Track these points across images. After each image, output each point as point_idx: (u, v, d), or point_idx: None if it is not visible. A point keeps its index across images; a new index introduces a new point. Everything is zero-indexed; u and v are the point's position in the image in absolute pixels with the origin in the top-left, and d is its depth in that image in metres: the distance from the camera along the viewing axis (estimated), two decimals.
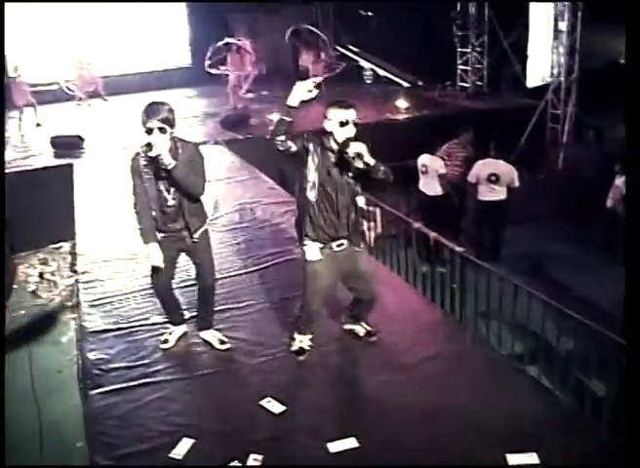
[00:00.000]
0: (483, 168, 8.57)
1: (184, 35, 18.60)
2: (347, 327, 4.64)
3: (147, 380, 4.13)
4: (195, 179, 3.99)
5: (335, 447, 3.43)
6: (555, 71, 12.43)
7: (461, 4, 14.20)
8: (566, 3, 11.88)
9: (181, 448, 3.48)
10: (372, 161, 3.71)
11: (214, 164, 9.72)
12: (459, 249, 5.80)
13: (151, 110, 3.82)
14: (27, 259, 9.48)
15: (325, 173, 3.89)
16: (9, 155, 10.64)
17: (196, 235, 4.22)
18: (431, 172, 8.69)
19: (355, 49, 19.05)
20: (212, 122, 12.98)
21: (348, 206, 3.97)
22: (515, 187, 8.59)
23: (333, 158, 3.89)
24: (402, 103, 13.25)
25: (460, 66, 14.89)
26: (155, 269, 4.22)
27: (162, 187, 4.03)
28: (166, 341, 4.56)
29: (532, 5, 13.53)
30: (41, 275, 8.84)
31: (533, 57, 14.05)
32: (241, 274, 5.72)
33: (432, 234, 6.20)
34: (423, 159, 8.81)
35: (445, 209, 8.76)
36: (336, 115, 3.79)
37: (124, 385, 4.08)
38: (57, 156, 10.84)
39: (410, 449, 3.36)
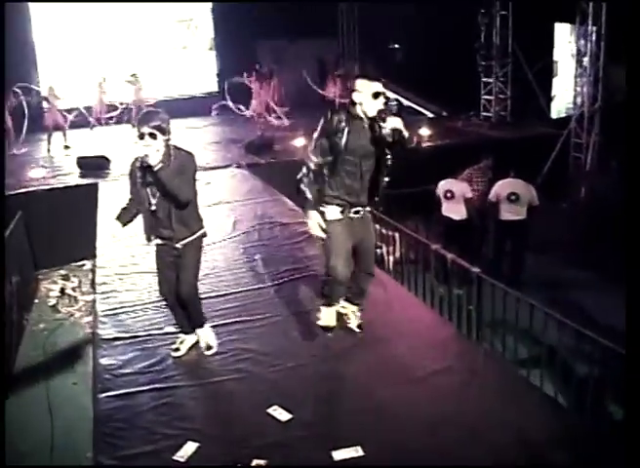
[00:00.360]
0: (503, 187, 8.64)
1: (212, 62, 18.97)
2: (343, 309, 4.62)
3: (156, 386, 4.14)
4: (179, 185, 4.02)
5: (339, 455, 3.39)
6: (578, 101, 12.43)
7: (485, 35, 14.27)
8: (589, 38, 11.93)
9: (186, 451, 3.47)
10: (407, 134, 3.87)
11: (235, 186, 9.91)
12: (475, 269, 5.81)
13: (144, 117, 4.02)
14: (50, 276, 9.63)
15: (354, 141, 4.00)
16: (36, 173, 10.87)
17: (180, 243, 4.25)
18: (457, 196, 8.75)
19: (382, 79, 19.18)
20: (235, 147, 13.13)
21: (372, 173, 4.13)
22: (536, 206, 8.60)
23: (362, 127, 4.02)
24: (425, 131, 13.31)
25: (484, 96, 14.92)
26: (158, 276, 4.41)
27: (149, 192, 4.12)
28: (177, 350, 4.57)
29: (556, 36, 13.64)
30: (62, 291, 8.96)
31: (557, 87, 14.13)
32: (256, 289, 5.72)
33: (449, 255, 6.21)
34: (448, 184, 8.88)
35: (469, 233, 8.80)
36: (367, 87, 3.97)
37: (133, 390, 4.08)
38: (83, 176, 11.05)
39: (415, 460, 3.31)
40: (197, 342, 4.66)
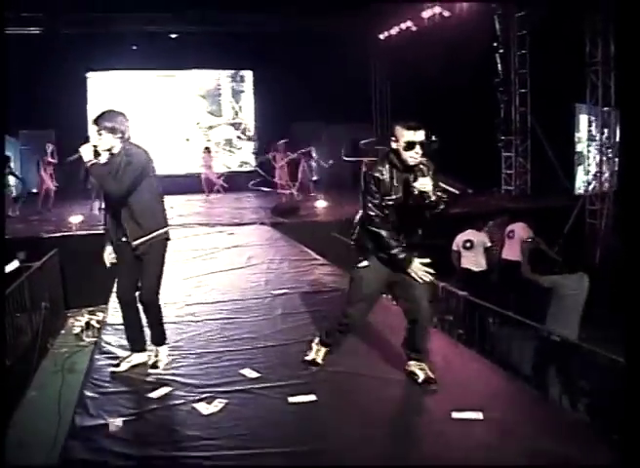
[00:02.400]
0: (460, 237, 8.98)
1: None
2: (408, 368, 4.15)
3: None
4: (110, 181, 4.09)
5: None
6: (592, 169, 12.92)
7: (505, 111, 14.99)
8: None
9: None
10: (434, 198, 3.72)
11: (256, 234, 10.61)
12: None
13: (98, 116, 4.20)
14: (78, 313, 10.21)
15: (389, 188, 3.86)
16: (75, 219, 11.74)
17: (135, 242, 4.21)
18: (476, 246, 8.92)
19: None
20: (264, 211, 13.89)
21: (409, 222, 3.95)
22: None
23: (397, 177, 3.87)
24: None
25: (505, 171, 15.48)
26: (117, 276, 4.42)
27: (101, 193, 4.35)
28: (118, 365, 4.38)
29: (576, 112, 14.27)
30: (87, 324, 9.51)
31: (577, 163, 14.64)
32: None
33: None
34: (467, 235, 9.04)
35: (489, 283, 8.93)
36: (403, 136, 3.81)
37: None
38: None
39: None
40: (144, 363, 4.46)
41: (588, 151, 13.67)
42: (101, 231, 10.87)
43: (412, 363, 4.11)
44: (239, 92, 20.70)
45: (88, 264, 10.37)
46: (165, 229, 4.37)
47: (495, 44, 14.88)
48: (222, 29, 18.51)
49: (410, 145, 3.80)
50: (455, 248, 9.05)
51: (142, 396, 3.88)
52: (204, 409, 3.65)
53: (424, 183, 3.67)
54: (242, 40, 18.87)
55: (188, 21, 18.21)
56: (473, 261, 8.95)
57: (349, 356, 4.40)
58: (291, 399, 3.75)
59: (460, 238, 9.08)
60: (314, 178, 18.67)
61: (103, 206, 4.53)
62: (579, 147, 14.79)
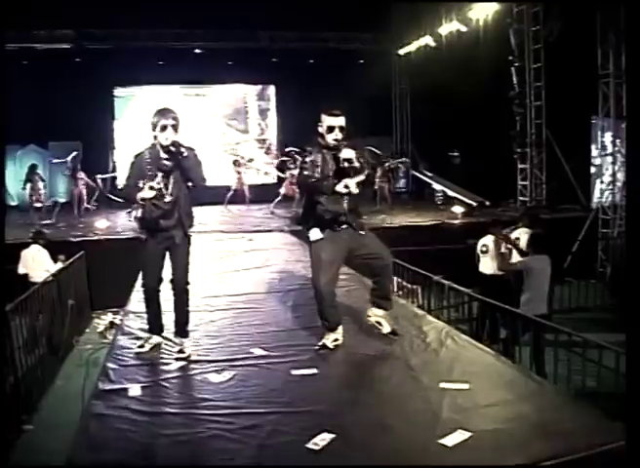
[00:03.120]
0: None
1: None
2: (373, 318, 4.84)
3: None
4: (201, 171, 4.51)
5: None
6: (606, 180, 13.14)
7: (521, 124, 15.26)
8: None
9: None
10: (357, 164, 4.38)
11: (273, 238, 10.99)
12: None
13: (165, 111, 4.47)
14: (102, 314, 10.64)
15: (323, 168, 4.50)
16: (101, 224, 12.22)
17: (181, 233, 4.53)
18: (491, 251, 9.20)
19: (429, 173, 20.40)
20: (284, 220, 14.30)
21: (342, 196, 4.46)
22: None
23: (328, 156, 4.52)
24: (457, 209, 14.21)
25: (520, 182, 15.71)
26: (145, 266, 4.67)
27: (162, 184, 4.41)
28: (142, 346, 4.66)
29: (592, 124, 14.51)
30: (111, 323, 9.92)
31: (593, 175, 14.85)
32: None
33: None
34: (485, 239, 9.24)
35: (502, 287, 9.16)
36: (324, 121, 4.58)
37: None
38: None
39: None
40: (159, 344, 4.75)
41: (602, 162, 13.86)
42: (125, 236, 11.56)
43: (379, 312, 4.84)
44: (265, 109, 21.20)
45: (113, 268, 10.90)
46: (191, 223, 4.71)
47: (510, 58, 15.13)
48: (246, 45, 19.07)
49: (330, 129, 4.52)
50: (477, 252, 9.30)
51: (159, 368, 4.25)
52: (214, 378, 4.01)
53: (348, 153, 4.37)
54: (265, 56, 19.43)
55: (212, 37, 18.80)
56: (487, 266, 9.18)
57: (351, 338, 4.74)
58: (294, 371, 4.09)
59: (480, 242, 9.34)
60: None
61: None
62: (597, 160, 14.96)
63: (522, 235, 9.30)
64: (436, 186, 19.43)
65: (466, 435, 3.06)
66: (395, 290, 8.66)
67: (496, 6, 14.94)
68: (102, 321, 10.08)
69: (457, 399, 3.51)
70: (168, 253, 4.64)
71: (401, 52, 20.59)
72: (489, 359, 4.31)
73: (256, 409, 3.50)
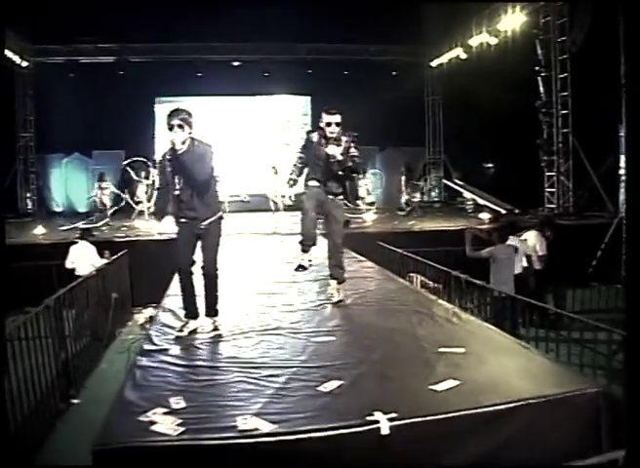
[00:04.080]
0: None
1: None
2: (330, 289, 6.23)
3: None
4: (199, 167, 4.81)
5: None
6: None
7: (547, 132, 15.59)
8: None
9: None
10: (341, 158, 5.65)
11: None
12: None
13: (173, 113, 4.88)
14: (143, 309, 11.27)
15: (318, 151, 5.82)
16: (142, 224, 12.92)
17: (205, 223, 4.97)
18: (520, 253, 9.58)
19: (460, 182, 20.78)
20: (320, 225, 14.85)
21: (334, 174, 5.83)
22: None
23: (324, 144, 5.74)
24: (484, 216, 14.62)
25: (548, 189, 16.01)
26: (176, 250, 5.14)
27: (177, 180, 4.89)
28: (181, 331, 5.03)
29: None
30: (151, 317, 10.52)
31: (620, 183, 15.05)
32: None
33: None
34: (511, 241, 9.73)
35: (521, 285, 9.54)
36: (323, 118, 5.76)
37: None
38: None
39: None
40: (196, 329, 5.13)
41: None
42: (165, 238, 12.21)
43: (333, 283, 6.18)
44: (303, 117, 21.80)
45: (153, 267, 11.51)
46: (222, 211, 5.23)
47: (537, 68, 15.50)
48: (282, 57, 19.78)
49: (328, 124, 5.71)
50: None
51: (196, 336, 4.82)
52: (243, 342, 4.57)
53: (333, 150, 5.63)
54: (301, 67, 20.10)
55: (249, 50, 19.56)
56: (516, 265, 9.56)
57: (370, 315, 5.26)
58: (313, 339, 4.62)
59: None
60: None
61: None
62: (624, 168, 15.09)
63: (531, 237, 9.73)
64: (467, 195, 19.80)
65: (455, 383, 3.56)
66: (419, 288, 9.10)
67: (523, 17, 15.37)
68: (142, 315, 10.67)
69: (452, 359, 3.99)
70: (199, 243, 5.09)
71: (433, 63, 21.06)
72: (488, 332, 4.78)
73: (277, 364, 4.05)
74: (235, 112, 21.00)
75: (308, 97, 21.54)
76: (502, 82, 15.39)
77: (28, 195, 20.38)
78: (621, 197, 14.75)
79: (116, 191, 16.77)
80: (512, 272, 8.44)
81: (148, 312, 10.73)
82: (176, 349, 4.41)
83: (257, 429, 3.01)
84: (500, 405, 3.22)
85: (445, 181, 22.45)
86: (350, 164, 5.72)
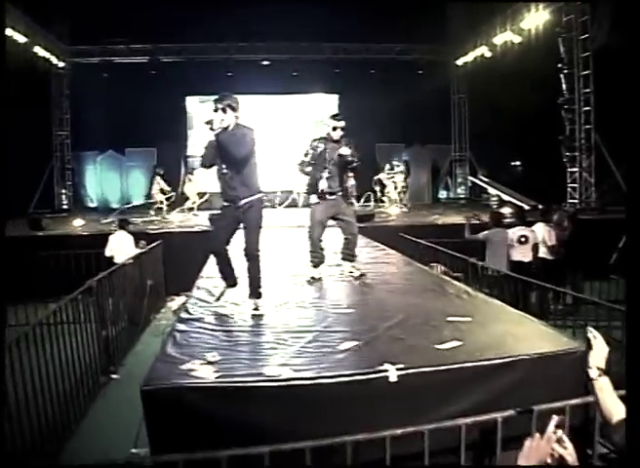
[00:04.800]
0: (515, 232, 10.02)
1: None
2: (347, 268, 6.90)
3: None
4: (240, 147, 5.05)
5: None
6: None
7: (570, 129, 15.84)
8: None
9: None
10: (350, 158, 6.45)
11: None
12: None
13: (219, 97, 5.17)
14: (176, 296, 11.80)
15: (327, 155, 6.56)
16: (174, 217, 13.47)
17: (243, 201, 5.23)
18: (530, 241, 9.95)
19: (485, 179, 21.07)
20: None
21: (338, 174, 6.60)
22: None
23: (330, 147, 6.55)
24: (506, 210, 14.94)
25: (570, 184, 16.25)
26: (213, 233, 5.64)
27: (219, 159, 5.25)
28: (218, 299, 5.53)
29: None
30: (184, 304, 11.04)
31: None
32: None
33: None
34: (522, 230, 9.99)
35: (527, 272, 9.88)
36: (330, 123, 6.60)
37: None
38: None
39: None
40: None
41: None
42: (197, 230, 12.75)
43: (349, 264, 6.90)
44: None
45: (186, 257, 12.03)
46: (261, 195, 5.38)
47: (559, 65, 15.76)
48: (309, 57, 20.25)
49: (334, 128, 6.55)
50: (509, 242, 10.00)
51: (231, 308, 5.31)
52: (270, 313, 5.05)
53: (345, 151, 6.40)
54: (328, 66, 20.56)
55: (278, 50, 20.07)
56: (525, 254, 9.90)
57: (383, 292, 5.71)
58: (333, 310, 5.09)
59: (514, 233, 10.04)
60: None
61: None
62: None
63: (539, 228, 10.09)
64: (491, 191, 20.10)
65: (458, 343, 3.98)
66: None
67: (546, 16, 15.63)
68: (176, 302, 11.20)
69: (458, 326, 4.41)
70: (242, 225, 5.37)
71: (458, 62, 21.34)
72: (495, 305, 5.21)
73: (301, 329, 4.52)
74: (266, 111, 21.45)
75: (337, 96, 21.93)
76: (527, 80, 15.68)
77: (64, 191, 21.12)
78: None
79: (167, 188, 17.27)
80: (505, 254, 9.46)
81: (181, 300, 11.25)
82: (210, 318, 4.89)
83: (280, 375, 3.47)
84: (497, 359, 3.64)
85: (470, 178, 22.76)
86: (357, 162, 6.49)
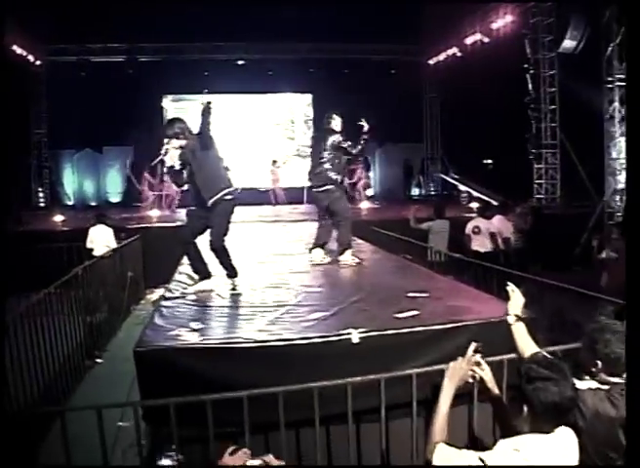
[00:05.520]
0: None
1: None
2: (345, 259, 7.20)
3: None
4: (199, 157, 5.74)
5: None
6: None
7: (536, 127, 16.45)
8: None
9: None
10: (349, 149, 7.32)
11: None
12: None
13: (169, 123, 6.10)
14: (155, 288, 12.17)
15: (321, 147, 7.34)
16: (153, 212, 13.84)
17: (210, 202, 5.68)
18: (483, 231, 10.47)
19: (456, 176, 21.67)
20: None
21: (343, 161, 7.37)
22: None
23: (330, 141, 7.31)
24: (474, 205, 15.55)
25: (536, 181, 16.87)
26: (185, 227, 6.17)
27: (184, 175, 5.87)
28: (185, 288, 5.88)
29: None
30: (163, 296, 11.42)
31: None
32: None
33: None
34: (477, 222, 10.69)
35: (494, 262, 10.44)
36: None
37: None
38: None
39: None
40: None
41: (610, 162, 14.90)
42: (174, 225, 13.10)
43: (346, 255, 7.24)
44: (304, 114, 22.67)
45: (164, 251, 12.39)
46: (227, 191, 5.74)
47: (526, 65, 16.37)
48: (285, 56, 20.67)
49: (336, 124, 7.51)
50: (467, 232, 10.58)
51: (212, 288, 5.75)
52: (247, 293, 5.53)
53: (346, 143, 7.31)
54: (303, 66, 20.99)
55: (254, 50, 20.47)
56: (480, 244, 10.47)
57: (351, 274, 6.17)
58: (305, 290, 5.56)
59: (470, 224, 10.66)
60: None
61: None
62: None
63: (496, 220, 10.67)
64: (462, 188, 20.70)
65: (414, 313, 4.47)
66: None
67: (514, 18, 16.22)
68: (155, 294, 11.59)
69: (416, 300, 4.91)
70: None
71: (430, 62, 21.86)
72: (452, 283, 5.74)
73: (275, 304, 5.01)
74: (240, 109, 21.86)
75: (310, 95, 22.39)
76: (496, 79, 16.22)
77: (41, 189, 21.30)
78: (607, 189, 15.59)
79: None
80: (445, 242, 10.56)
81: (160, 291, 11.65)
82: (192, 296, 5.34)
83: (257, 338, 3.94)
84: (447, 324, 4.13)
85: (442, 176, 23.34)
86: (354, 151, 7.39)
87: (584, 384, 2.76)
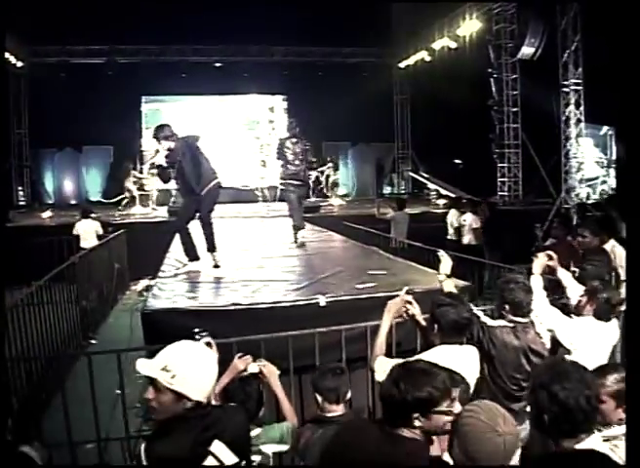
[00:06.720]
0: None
1: None
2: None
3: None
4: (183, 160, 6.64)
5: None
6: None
7: (499, 128, 17.41)
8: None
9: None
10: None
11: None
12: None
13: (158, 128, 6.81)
14: (140, 279, 12.83)
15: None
16: (137, 209, 14.51)
17: (203, 192, 6.65)
18: (468, 226, 11.42)
19: (425, 175, 22.54)
20: None
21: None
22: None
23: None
24: (442, 202, 16.48)
25: (500, 179, 17.82)
26: (177, 216, 7.21)
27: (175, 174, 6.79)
28: (178, 269, 6.77)
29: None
30: (147, 286, 12.08)
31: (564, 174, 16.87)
32: None
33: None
34: (452, 215, 11.90)
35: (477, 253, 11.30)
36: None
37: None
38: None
39: None
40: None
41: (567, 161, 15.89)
42: (157, 220, 13.81)
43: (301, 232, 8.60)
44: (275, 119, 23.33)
45: (147, 245, 13.06)
46: (216, 182, 6.78)
47: (489, 70, 17.31)
48: (260, 59, 21.39)
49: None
50: (456, 225, 11.69)
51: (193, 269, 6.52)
52: (230, 272, 6.29)
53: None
54: (277, 69, 21.72)
55: (230, 52, 21.15)
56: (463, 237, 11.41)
57: (322, 259, 7.00)
58: (281, 270, 6.35)
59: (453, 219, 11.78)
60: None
61: None
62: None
63: (467, 215, 11.54)
64: (431, 186, 21.59)
65: (372, 284, 5.33)
66: None
67: (479, 24, 17.11)
68: (140, 284, 12.26)
69: (376, 276, 5.76)
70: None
71: (401, 65, 22.61)
72: (408, 265, 6.60)
73: (254, 279, 5.78)
74: (215, 110, 22.45)
75: (284, 96, 23.07)
76: (462, 82, 17.10)
77: (21, 188, 21.71)
78: (564, 186, 16.57)
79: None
80: (405, 231, 11.81)
81: (145, 282, 12.34)
82: (183, 275, 6.14)
83: (243, 302, 4.77)
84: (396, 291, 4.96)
85: (411, 174, 24.20)
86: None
87: (496, 322, 3.65)
